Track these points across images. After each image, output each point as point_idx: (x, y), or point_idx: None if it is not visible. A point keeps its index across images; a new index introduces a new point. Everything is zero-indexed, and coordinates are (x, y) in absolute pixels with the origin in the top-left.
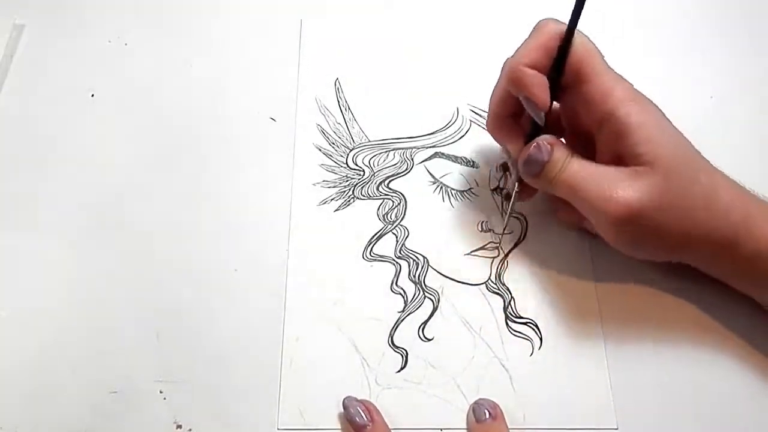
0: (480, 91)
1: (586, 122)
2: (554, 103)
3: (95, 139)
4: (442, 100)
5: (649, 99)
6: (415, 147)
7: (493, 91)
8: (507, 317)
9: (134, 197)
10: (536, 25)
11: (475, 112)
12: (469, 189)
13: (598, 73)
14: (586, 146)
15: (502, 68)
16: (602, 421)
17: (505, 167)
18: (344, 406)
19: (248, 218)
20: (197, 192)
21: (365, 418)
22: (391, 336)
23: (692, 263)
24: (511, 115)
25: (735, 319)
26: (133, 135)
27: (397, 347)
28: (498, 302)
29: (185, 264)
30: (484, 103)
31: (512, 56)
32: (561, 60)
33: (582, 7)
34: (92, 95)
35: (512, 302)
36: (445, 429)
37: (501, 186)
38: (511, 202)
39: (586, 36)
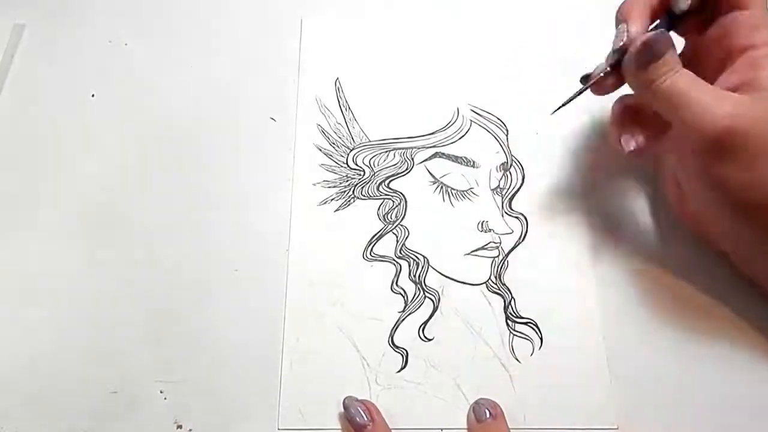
0: (480, 91)
1: (719, 51)
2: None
3: (95, 139)
4: (442, 100)
5: None
6: (415, 147)
7: None
8: (507, 317)
9: (134, 197)
10: None
11: (476, 112)
12: (470, 189)
13: (755, 4)
14: (711, 72)
15: None
16: (602, 420)
17: (505, 167)
18: (345, 406)
19: (248, 218)
20: (197, 192)
21: (366, 418)
22: (392, 336)
23: (754, 248)
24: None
25: (737, 319)
26: (133, 135)
27: (398, 347)
28: (498, 302)
29: (185, 264)
30: (484, 103)
31: None
32: None
33: None
34: (92, 95)
35: (512, 302)
36: (445, 429)
37: (501, 186)
38: (585, 86)
39: None
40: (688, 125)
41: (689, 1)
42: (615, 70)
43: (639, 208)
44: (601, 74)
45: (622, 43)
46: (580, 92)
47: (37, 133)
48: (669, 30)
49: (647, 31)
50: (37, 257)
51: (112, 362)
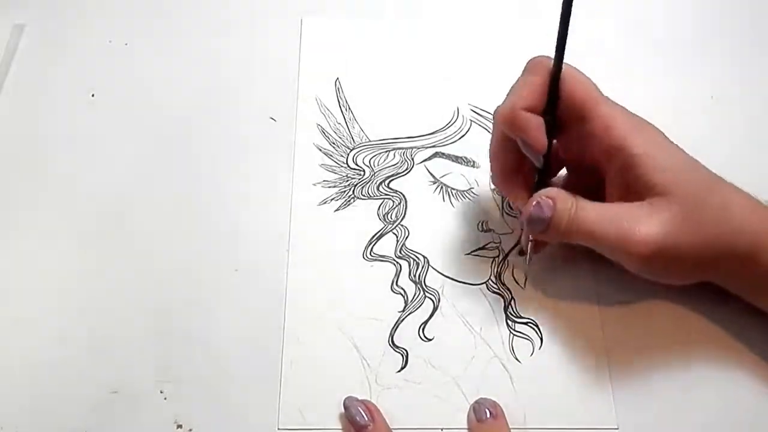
0: (480, 91)
1: (590, 156)
2: (553, 141)
3: (95, 139)
4: (442, 100)
5: (649, 123)
6: (415, 147)
7: (490, 143)
8: (507, 317)
9: (134, 197)
10: (527, 65)
11: (476, 112)
12: (470, 189)
13: (597, 108)
14: (589, 178)
15: (494, 116)
16: (603, 420)
17: None
18: (345, 406)
19: (248, 218)
20: (197, 192)
21: (366, 418)
22: (392, 336)
23: (716, 281)
24: (514, 166)
25: (737, 320)
26: (134, 135)
27: (398, 347)
28: (498, 302)
29: (185, 264)
30: (484, 103)
31: (504, 101)
32: (553, 99)
33: (564, 43)
34: (92, 95)
35: (512, 302)
36: (445, 429)
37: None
38: (527, 258)
39: (578, 70)
40: (616, 251)
41: (541, 159)
42: None
43: None
44: (531, 243)
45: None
46: (529, 263)
47: (37, 133)
48: (549, 151)
49: (528, 183)
50: (37, 257)
51: (112, 362)
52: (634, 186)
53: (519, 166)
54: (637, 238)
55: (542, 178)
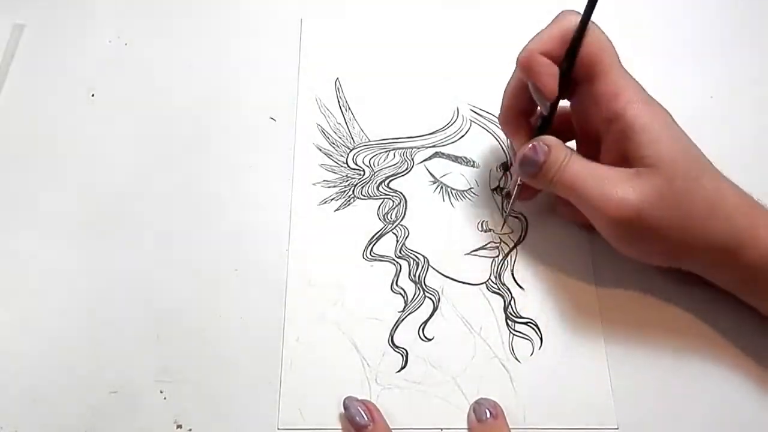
0: (480, 91)
1: (594, 121)
2: (567, 104)
3: (95, 138)
4: (442, 100)
5: (658, 102)
6: (415, 147)
7: (508, 82)
8: (507, 317)
9: (134, 197)
10: (557, 16)
11: (476, 112)
12: (470, 189)
13: (609, 71)
14: (594, 147)
15: (517, 57)
16: (603, 420)
17: (505, 167)
18: (345, 406)
19: (248, 218)
20: (197, 192)
21: (366, 418)
22: (392, 336)
23: (693, 270)
24: (523, 111)
25: (737, 319)
26: (133, 135)
27: (398, 347)
28: (498, 302)
29: (185, 264)
30: (484, 103)
31: (527, 43)
32: (573, 52)
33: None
34: (92, 95)
35: (512, 302)
36: (445, 429)
37: (501, 186)
38: (511, 201)
39: (603, 32)
40: (593, 208)
41: (548, 106)
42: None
43: None
44: (517, 187)
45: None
46: (511, 207)
47: (37, 133)
48: (557, 102)
49: (532, 130)
50: (37, 257)
51: (112, 362)
52: (627, 155)
53: (527, 111)
54: (615, 199)
55: (544, 131)
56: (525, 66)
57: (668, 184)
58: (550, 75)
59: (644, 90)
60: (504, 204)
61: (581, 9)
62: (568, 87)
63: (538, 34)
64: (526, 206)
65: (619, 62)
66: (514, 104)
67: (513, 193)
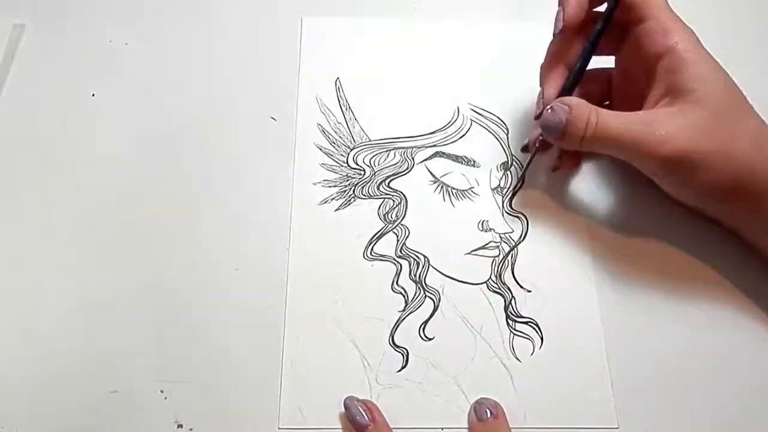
0: (480, 90)
1: (641, 61)
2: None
3: (95, 138)
4: (442, 99)
5: (708, 51)
6: (415, 146)
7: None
8: (507, 316)
9: (134, 197)
10: None
11: (476, 112)
12: (470, 188)
13: (660, 11)
14: (631, 101)
15: None
16: (603, 420)
17: (505, 167)
18: (345, 406)
19: (248, 218)
20: (197, 192)
21: (366, 418)
22: (392, 335)
23: (735, 216)
24: (563, 59)
25: (740, 320)
26: (134, 135)
27: (398, 347)
28: (498, 301)
29: (185, 264)
30: (484, 103)
31: None
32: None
33: None
34: (92, 95)
35: (513, 301)
36: (446, 428)
37: (501, 185)
38: (530, 158)
39: None
40: (641, 153)
41: (560, 25)
42: None
43: (640, 207)
44: (537, 144)
45: (540, 111)
46: (528, 163)
47: (37, 133)
48: (590, 56)
49: (565, 83)
50: (37, 257)
51: (112, 362)
52: (675, 88)
53: (568, 62)
54: (657, 137)
55: (572, 87)
56: None
57: (714, 119)
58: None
59: (693, 32)
60: (523, 171)
61: None
62: (603, 33)
63: None
64: (527, 206)
65: (667, 3)
66: (558, 48)
67: (532, 148)
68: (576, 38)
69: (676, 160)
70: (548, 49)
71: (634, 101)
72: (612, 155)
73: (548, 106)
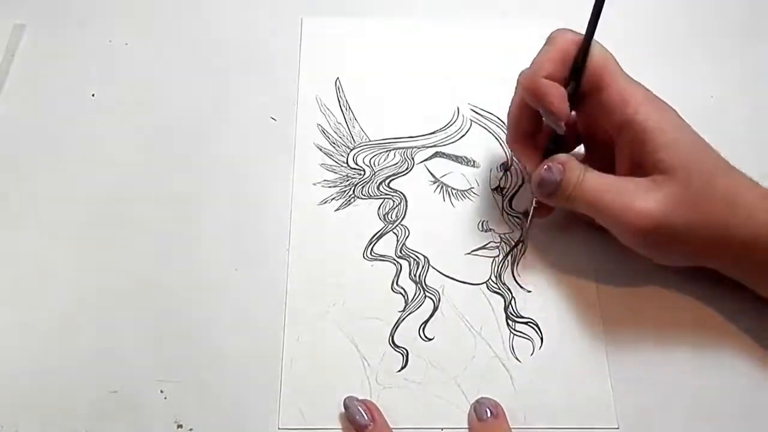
0: (480, 91)
1: (604, 130)
2: (572, 113)
3: (95, 139)
4: (442, 100)
5: (667, 103)
6: (415, 146)
7: (510, 105)
8: (507, 317)
9: (134, 197)
10: (550, 36)
11: (476, 112)
12: (470, 189)
13: (615, 80)
14: (604, 155)
15: (518, 81)
16: (603, 420)
17: (505, 167)
18: (345, 406)
19: (248, 218)
20: (197, 192)
21: (366, 418)
22: (392, 335)
23: (718, 267)
24: (529, 131)
25: (737, 318)
26: (134, 135)
27: (398, 347)
28: (498, 302)
29: (185, 264)
30: (484, 103)
31: (528, 68)
32: (579, 70)
33: (599, 14)
34: (92, 95)
35: (513, 302)
36: (446, 428)
37: (501, 186)
38: (528, 221)
39: (600, 43)
40: (615, 222)
41: (563, 126)
42: None
43: None
44: (535, 207)
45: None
46: (529, 227)
47: (37, 133)
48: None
49: (540, 148)
50: (37, 257)
51: (112, 362)
52: (641, 162)
53: (534, 130)
54: (635, 211)
55: (556, 146)
56: (532, 92)
57: (685, 189)
58: (559, 97)
59: (651, 93)
60: (523, 222)
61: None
62: (574, 102)
63: (536, 58)
64: (526, 206)
65: (623, 70)
66: (520, 125)
67: (530, 212)
68: (532, 109)
69: (649, 233)
70: (509, 126)
71: (604, 151)
72: (593, 217)
73: (543, 165)
